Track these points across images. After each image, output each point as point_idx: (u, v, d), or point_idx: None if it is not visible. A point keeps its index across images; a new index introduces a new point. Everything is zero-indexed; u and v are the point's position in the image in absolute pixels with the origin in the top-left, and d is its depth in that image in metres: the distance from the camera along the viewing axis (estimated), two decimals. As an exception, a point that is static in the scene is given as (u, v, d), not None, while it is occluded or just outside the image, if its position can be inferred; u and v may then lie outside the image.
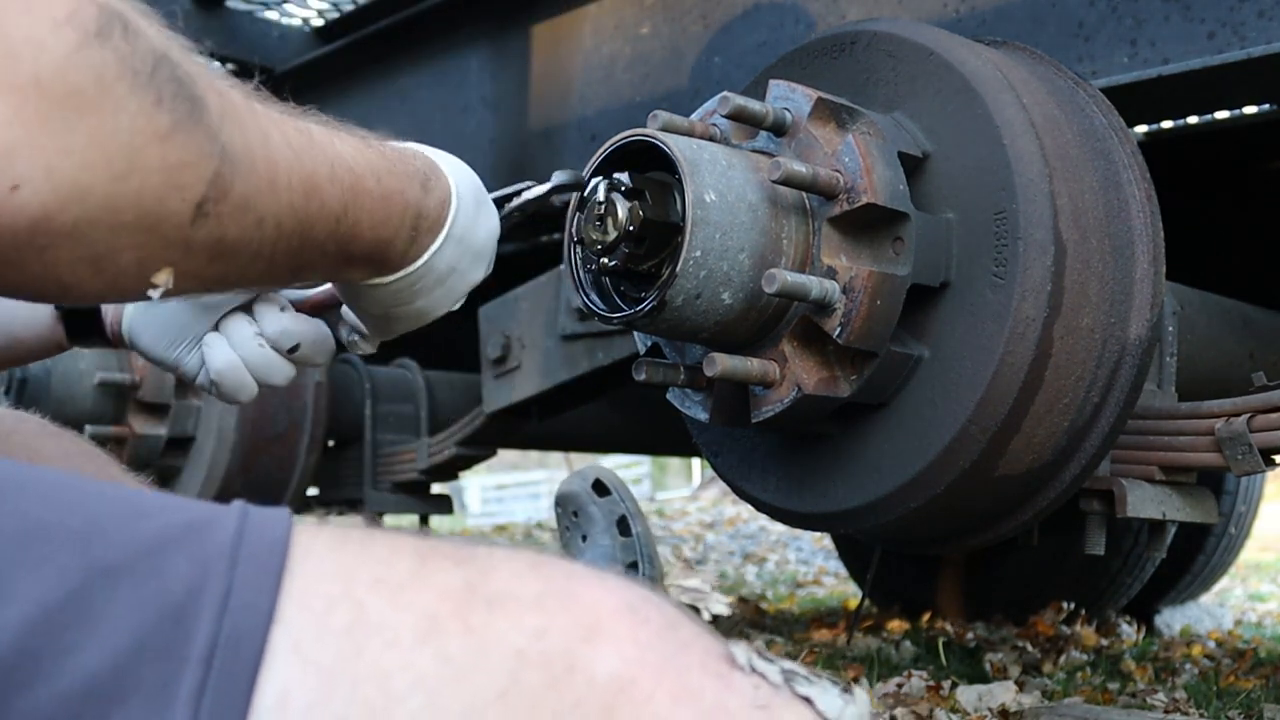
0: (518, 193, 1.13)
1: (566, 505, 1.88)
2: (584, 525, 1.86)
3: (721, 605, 1.91)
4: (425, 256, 0.93)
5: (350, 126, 0.87)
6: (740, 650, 0.53)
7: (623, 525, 1.83)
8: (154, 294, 0.71)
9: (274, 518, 0.52)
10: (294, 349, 1.04)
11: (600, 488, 1.86)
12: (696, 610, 1.85)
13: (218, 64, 2.95)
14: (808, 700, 0.53)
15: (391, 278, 0.93)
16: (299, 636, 0.48)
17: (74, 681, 0.45)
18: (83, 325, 1.14)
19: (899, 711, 1.80)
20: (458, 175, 0.97)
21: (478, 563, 0.53)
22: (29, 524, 0.47)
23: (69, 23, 0.59)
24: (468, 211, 0.97)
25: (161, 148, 0.64)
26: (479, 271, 1.02)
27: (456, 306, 1.03)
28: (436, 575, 0.51)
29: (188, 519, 0.50)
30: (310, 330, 1.06)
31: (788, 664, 0.54)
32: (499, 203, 1.10)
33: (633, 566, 1.80)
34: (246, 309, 1.05)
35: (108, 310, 1.10)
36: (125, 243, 0.66)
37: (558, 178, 1.16)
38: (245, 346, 1.03)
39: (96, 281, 0.67)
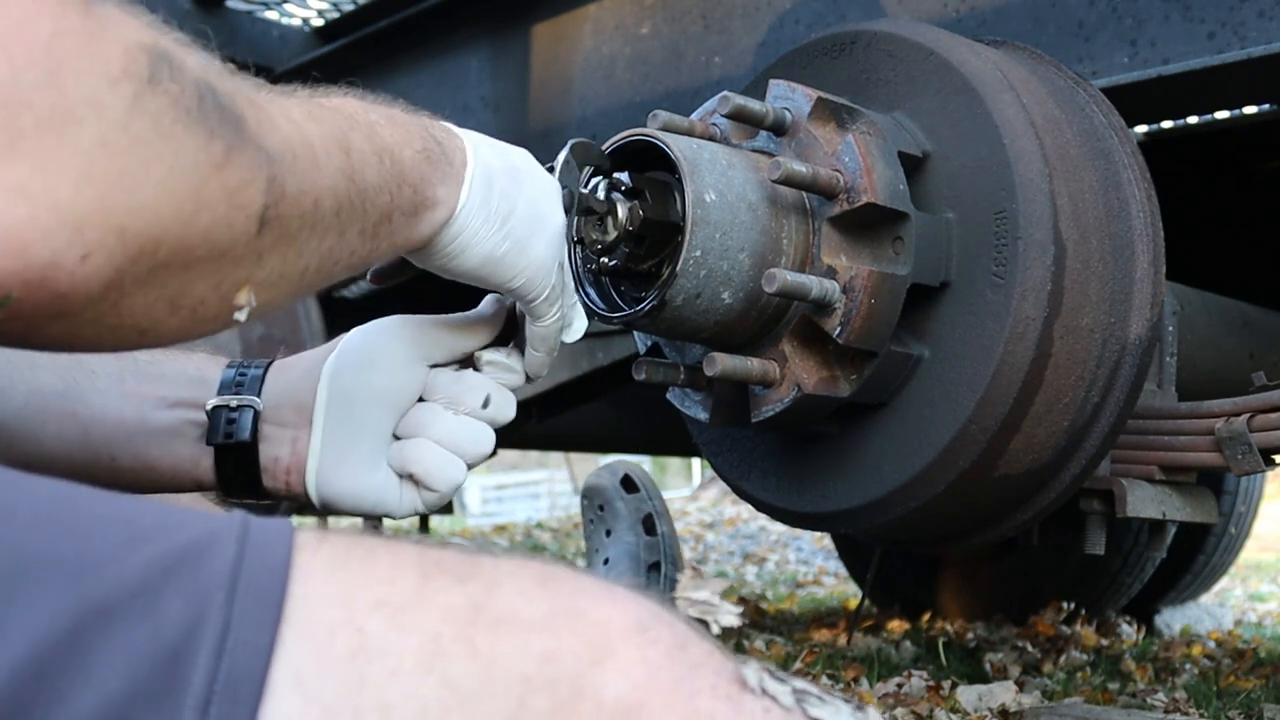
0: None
1: (593, 498, 1.87)
2: (609, 520, 1.84)
3: (731, 617, 1.90)
4: (471, 157, 0.89)
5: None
6: (751, 671, 0.53)
7: (648, 524, 1.82)
8: (240, 315, 0.70)
9: (275, 536, 0.50)
10: (485, 402, 0.98)
11: (629, 484, 1.85)
12: (705, 624, 1.85)
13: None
14: None
15: (463, 196, 0.88)
16: (300, 670, 0.47)
17: None
18: (237, 470, 0.98)
19: (899, 711, 1.80)
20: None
21: (482, 579, 0.52)
22: (19, 556, 0.45)
23: (125, 76, 0.57)
24: (479, 140, 0.93)
25: (220, 177, 0.63)
26: (551, 205, 0.98)
27: (556, 246, 0.97)
28: (440, 594, 0.51)
29: (185, 542, 0.49)
30: (483, 380, 0.99)
31: (800, 683, 0.53)
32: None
33: (655, 567, 1.79)
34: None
35: (279, 457, 0.99)
36: (199, 274, 0.65)
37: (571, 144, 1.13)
38: (439, 427, 0.97)
39: (174, 319, 0.66)
